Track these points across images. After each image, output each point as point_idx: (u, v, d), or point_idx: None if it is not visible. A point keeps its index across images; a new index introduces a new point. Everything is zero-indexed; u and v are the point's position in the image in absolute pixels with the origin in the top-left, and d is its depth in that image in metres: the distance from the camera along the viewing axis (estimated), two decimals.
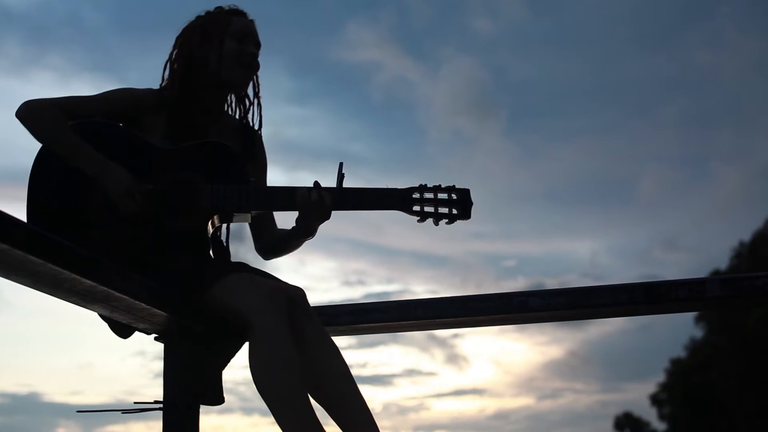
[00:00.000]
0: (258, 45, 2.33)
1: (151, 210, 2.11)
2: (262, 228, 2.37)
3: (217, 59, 2.25)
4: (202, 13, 2.33)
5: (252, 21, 2.33)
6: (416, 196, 2.15)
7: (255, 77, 2.38)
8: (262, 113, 2.40)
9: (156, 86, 2.31)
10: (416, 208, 2.15)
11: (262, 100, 2.40)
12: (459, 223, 2.16)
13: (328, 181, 2.15)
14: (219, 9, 2.32)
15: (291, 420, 1.82)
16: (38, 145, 2.16)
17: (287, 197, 2.14)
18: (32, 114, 2.13)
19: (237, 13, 2.32)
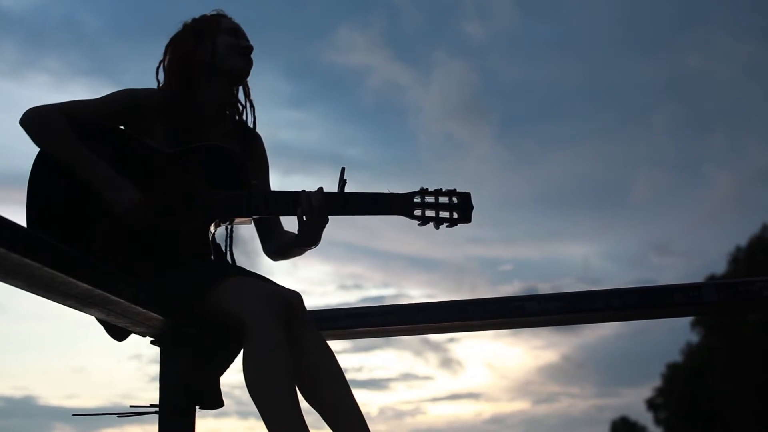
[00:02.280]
0: (249, 41, 2.36)
1: (157, 225, 2.11)
2: (268, 230, 2.38)
3: (212, 53, 2.29)
4: (189, 21, 2.37)
5: (238, 24, 2.39)
6: (417, 200, 2.16)
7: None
8: (256, 115, 2.42)
9: (153, 86, 2.32)
10: (417, 212, 2.15)
11: (256, 103, 2.43)
12: (458, 226, 2.17)
13: (323, 184, 2.16)
14: (204, 15, 2.38)
15: (279, 424, 1.82)
16: (36, 148, 2.16)
17: (288, 202, 2.15)
18: (35, 123, 2.12)
19: (224, 16, 2.39)
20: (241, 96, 2.42)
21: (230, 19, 2.38)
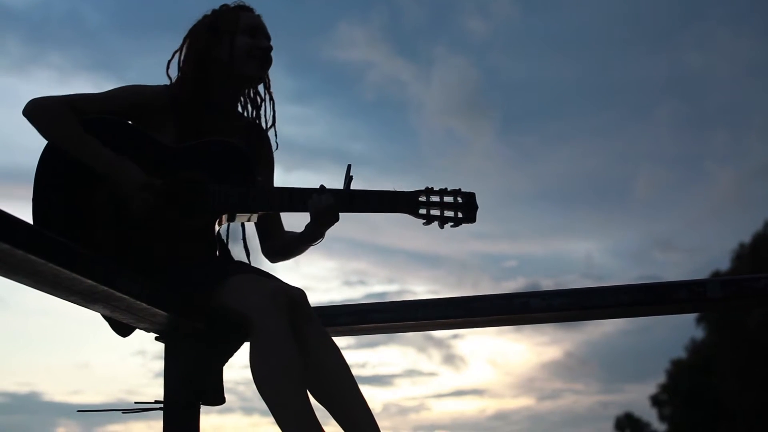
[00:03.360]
0: (269, 38, 2.32)
1: (162, 209, 2.11)
2: (269, 230, 2.37)
3: (229, 56, 2.24)
4: (209, 12, 2.32)
5: (259, 16, 2.33)
6: (422, 199, 2.16)
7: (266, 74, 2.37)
8: (275, 109, 2.39)
9: (160, 84, 2.30)
10: (422, 211, 2.15)
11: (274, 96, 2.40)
12: (463, 226, 2.17)
13: (327, 180, 2.16)
14: (225, 6, 2.32)
15: (290, 419, 1.82)
16: (41, 144, 2.15)
17: (293, 198, 2.15)
18: (39, 111, 2.11)
19: (244, 9, 2.32)
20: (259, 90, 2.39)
21: (251, 13, 2.31)
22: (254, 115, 2.39)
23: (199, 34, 2.29)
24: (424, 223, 2.16)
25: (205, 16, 2.31)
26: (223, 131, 2.27)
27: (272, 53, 2.30)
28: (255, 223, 2.35)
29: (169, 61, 2.31)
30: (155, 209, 2.08)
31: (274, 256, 2.36)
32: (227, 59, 2.24)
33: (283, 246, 2.32)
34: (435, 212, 2.16)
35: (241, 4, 2.32)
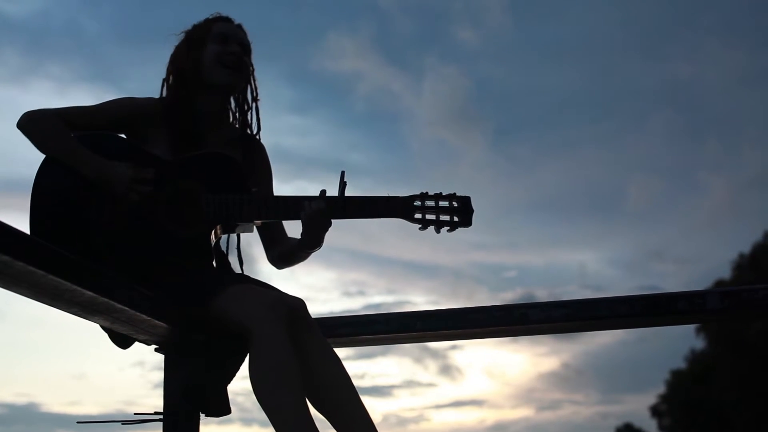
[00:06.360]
0: (244, 45, 2.34)
1: (154, 202, 2.12)
2: (272, 237, 2.37)
3: (199, 64, 2.28)
4: (189, 28, 2.36)
5: (237, 25, 2.36)
6: (417, 203, 2.16)
7: (253, 81, 2.39)
8: (260, 118, 2.41)
9: (155, 95, 2.33)
10: (418, 215, 2.16)
11: (260, 105, 2.42)
12: (459, 230, 2.17)
13: (326, 190, 2.16)
14: (200, 21, 2.36)
15: (288, 428, 1.82)
16: (39, 156, 2.17)
17: (289, 206, 2.15)
18: (33, 124, 2.15)
19: (219, 19, 2.35)
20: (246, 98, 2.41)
21: (224, 22, 2.35)
22: (241, 123, 2.40)
23: (176, 51, 2.34)
24: (420, 228, 2.16)
25: (184, 32, 2.36)
26: (216, 142, 2.29)
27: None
28: (258, 231, 2.36)
29: (163, 80, 2.35)
30: (148, 199, 2.11)
31: (279, 262, 2.36)
32: (197, 68, 2.27)
33: (286, 253, 2.33)
34: (431, 217, 2.16)
35: (217, 15, 2.36)
